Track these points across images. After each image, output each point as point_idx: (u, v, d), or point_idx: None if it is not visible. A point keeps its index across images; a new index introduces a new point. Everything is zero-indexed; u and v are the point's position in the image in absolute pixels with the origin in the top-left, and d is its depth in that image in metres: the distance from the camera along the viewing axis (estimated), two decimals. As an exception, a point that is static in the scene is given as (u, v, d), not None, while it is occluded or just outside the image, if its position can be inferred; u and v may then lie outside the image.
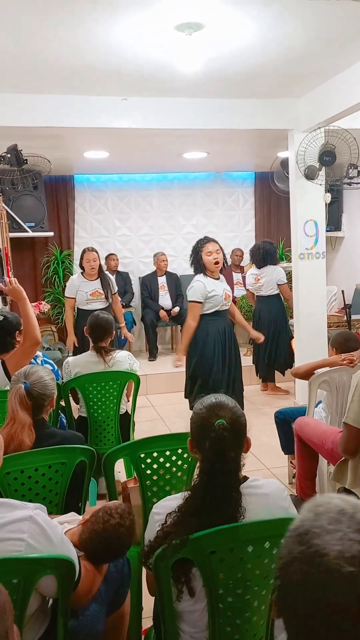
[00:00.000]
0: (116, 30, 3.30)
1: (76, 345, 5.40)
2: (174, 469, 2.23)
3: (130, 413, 3.58)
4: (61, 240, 7.48)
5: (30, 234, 6.72)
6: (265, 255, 5.77)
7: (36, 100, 4.45)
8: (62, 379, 3.50)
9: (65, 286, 5.90)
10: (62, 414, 3.39)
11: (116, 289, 5.57)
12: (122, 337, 5.85)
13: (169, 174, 7.75)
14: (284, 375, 5.82)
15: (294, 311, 5.47)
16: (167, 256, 7.37)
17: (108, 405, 3.37)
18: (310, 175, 4.86)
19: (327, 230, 5.54)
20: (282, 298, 5.89)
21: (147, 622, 1.95)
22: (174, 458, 2.23)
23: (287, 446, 3.53)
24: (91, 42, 3.46)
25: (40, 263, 7.45)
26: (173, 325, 7.40)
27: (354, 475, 2.53)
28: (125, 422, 3.51)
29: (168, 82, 4.27)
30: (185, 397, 4.57)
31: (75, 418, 3.45)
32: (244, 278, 7.45)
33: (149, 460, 2.20)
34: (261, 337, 4.82)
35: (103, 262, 6.69)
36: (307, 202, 5.19)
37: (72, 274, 7.00)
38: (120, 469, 2.96)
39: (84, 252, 5.49)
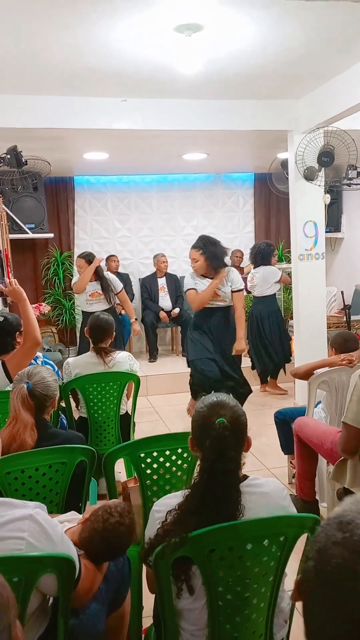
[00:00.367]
0: (116, 31, 3.31)
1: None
2: (174, 468, 2.24)
3: (130, 414, 3.58)
4: (61, 242, 7.50)
5: (31, 235, 6.74)
6: (257, 255, 5.81)
7: (36, 101, 4.47)
8: (63, 379, 3.50)
9: (65, 287, 5.97)
10: (62, 415, 3.39)
11: (121, 286, 5.59)
12: (133, 333, 5.86)
13: (168, 175, 7.76)
14: (285, 373, 5.83)
15: (294, 312, 5.48)
16: (167, 257, 7.38)
17: (108, 406, 3.38)
18: (309, 176, 4.87)
19: (326, 231, 5.55)
20: (281, 297, 5.90)
21: (147, 622, 1.95)
22: (174, 458, 2.23)
23: (286, 446, 3.53)
24: (91, 43, 3.47)
25: (40, 264, 7.47)
26: (173, 327, 7.40)
27: (353, 474, 2.54)
28: (126, 422, 3.52)
29: (168, 83, 4.28)
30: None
31: (76, 419, 3.46)
32: (244, 279, 7.47)
33: (149, 460, 2.21)
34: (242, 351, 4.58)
35: (103, 263, 6.71)
36: (307, 203, 5.20)
37: (72, 276, 7.05)
38: (120, 469, 2.97)
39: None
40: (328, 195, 5.31)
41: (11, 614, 0.81)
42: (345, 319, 6.30)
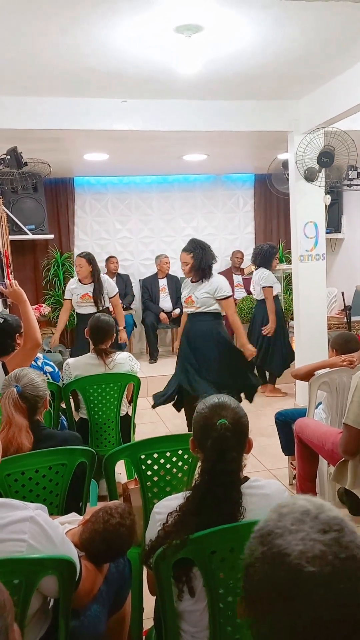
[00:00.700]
0: (116, 32, 3.31)
1: (56, 343, 5.70)
2: (175, 470, 2.23)
3: (130, 415, 3.58)
4: (61, 243, 7.49)
5: (31, 236, 6.74)
6: (257, 255, 5.82)
7: (36, 102, 4.46)
8: (63, 380, 3.50)
9: (65, 289, 5.97)
10: (62, 416, 3.39)
11: (116, 291, 5.57)
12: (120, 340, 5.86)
13: (169, 176, 7.76)
14: (279, 377, 5.84)
15: (294, 313, 5.48)
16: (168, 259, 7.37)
17: (109, 407, 3.37)
18: (310, 177, 4.87)
19: (327, 232, 5.54)
20: (281, 299, 5.89)
21: (148, 623, 1.95)
22: (174, 459, 2.23)
23: (287, 447, 3.53)
24: (91, 44, 3.47)
25: (40, 266, 7.46)
26: (173, 328, 7.40)
27: (353, 475, 2.54)
28: (126, 424, 3.51)
29: (168, 84, 4.28)
30: None
31: (76, 420, 3.45)
32: (244, 280, 7.47)
33: (149, 462, 2.20)
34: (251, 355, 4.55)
35: (103, 264, 6.71)
36: (307, 203, 5.20)
37: (72, 277, 7.03)
38: (121, 470, 2.96)
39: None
40: (328, 196, 5.30)
41: (9, 617, 0.80)
42: (345, 319, 6.30)
